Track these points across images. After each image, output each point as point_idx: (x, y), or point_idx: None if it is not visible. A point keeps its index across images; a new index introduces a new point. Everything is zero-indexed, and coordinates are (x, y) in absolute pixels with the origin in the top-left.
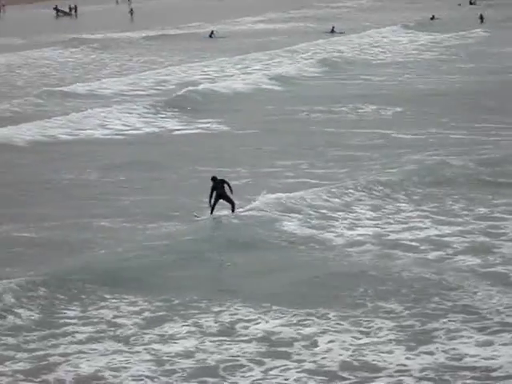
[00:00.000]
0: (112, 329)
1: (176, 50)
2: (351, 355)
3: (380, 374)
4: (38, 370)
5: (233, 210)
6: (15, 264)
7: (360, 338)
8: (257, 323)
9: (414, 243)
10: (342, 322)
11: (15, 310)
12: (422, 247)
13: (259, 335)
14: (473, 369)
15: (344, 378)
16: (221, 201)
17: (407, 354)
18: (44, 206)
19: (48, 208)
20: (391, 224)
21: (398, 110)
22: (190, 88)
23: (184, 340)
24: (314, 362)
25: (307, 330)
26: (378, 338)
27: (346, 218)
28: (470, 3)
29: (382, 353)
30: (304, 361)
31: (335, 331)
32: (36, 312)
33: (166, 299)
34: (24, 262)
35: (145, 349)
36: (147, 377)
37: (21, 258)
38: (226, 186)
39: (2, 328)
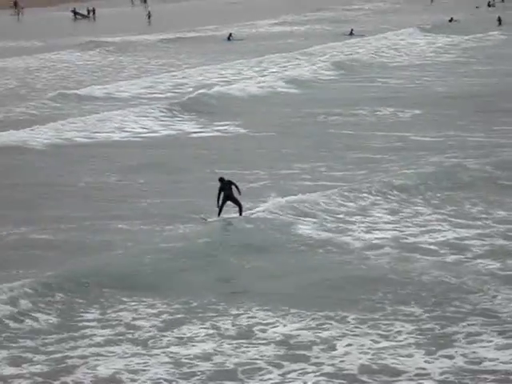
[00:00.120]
0: (130, 331)
1: (194, 52)
2: (370, 358)
3: (400, 378)
4: (57, 373)
5: (240, 213)
6: (32, 266)
7: (379, 342)
8: (275, 326)
9: (432, 246)
10: (360, 326)
11: (33, 314)
12: (441, 251)
13: (278, 338)
14: (492, 372)
15: (363, 382)
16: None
17: (426, 358)
18: (61, 208)
19: (66, 210)
20: (409, 227)
21: (417, 112)
22: (207, 91)
23: (202, 343)
24: (333, 365)
25: (326, 334)
26: (397, 341)
27: (363, 222)
28: (488, 5)
29: (402, 356)
30: (323, 364)
31: (354, 335)
32: (54, 316)
33: (184, 301)
34: (41, 264)
35: (163, 351)
36: (165, 380)
37: (37, 260)
38: (233, 187)
39: (21, 332)
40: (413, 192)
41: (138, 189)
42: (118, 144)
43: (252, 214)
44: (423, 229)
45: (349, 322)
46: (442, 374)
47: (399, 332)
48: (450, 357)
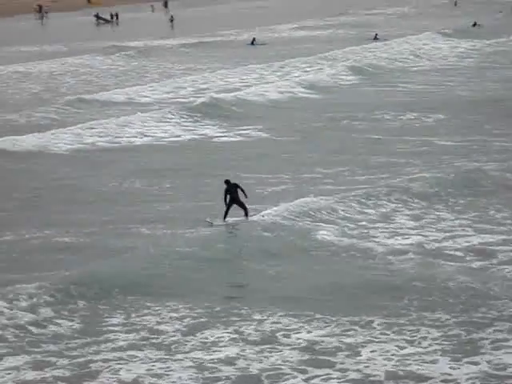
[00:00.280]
0: (154, 336)
1: (216, 57)
2: (395, 365)
3: None
4: (80, 377)
5: (246, 215)
6: (54, 270)
7: (404, 348)
8: (299, 332)
9: (457, 252)
10: (386, 331)
11: (56, 320)
12: (466, 256)
13: (302, 344)
14: None
15: None
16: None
17: (452, 364)
18: (85, 212)
19: (89, 214)
20: (433, 232)
21: (440, 117)
22: (229, 95)
23: (226, 347)
24: (358, 371)
25: (350, 339)
26: (422, 347)
27: (385, 228)
28: None
29: (427, 363)
30: (348, 370)
31: (379, 341)
32: (77, 321)
33: (207, 306)
34: (63, 268)
35: (186, 356)
36: None
37: (60, 264)
38: (239, 191)
39: (44, 337)
40: (436, 197)
41: (162, 193)
42: (141, 148)
43: (271, 217)
44: (447, 234)
45: (374, 327)
46: (468, 379)
47: (424, 338)
48: (476, 363)
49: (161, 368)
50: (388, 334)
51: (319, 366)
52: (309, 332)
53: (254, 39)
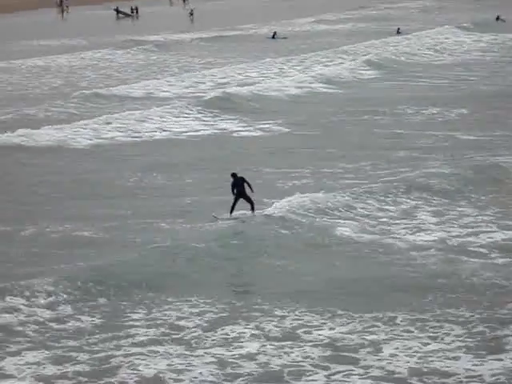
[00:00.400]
0: (175, 331)
1: (237, 51)
2: (418, 362)
3: (450, 380)
4: (100, 372)
5: (252, 210)
6: (73, 262)
7: (428, 344)
8: (321, 328)
9: (481, 249)
10: (409, 328)
11: (77, 316)
12: (490, 253)
13: (324, 341)
14: None
15: None
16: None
17: (475, 361)
18: (105, 206)
19: (109, 209)
20: (455, 228)
21: (463, 111)
22: (249, 89)
23: (247, 343)
24: (381, 367)
25: (373, 336)
26: (446, 343)
27: (406, 224)
28: None
29: (450, 359)
30: (371, 367)
31: (402, 337)
32: (98, 317)
33: (228, 302)
34: (82, 262)
35: (207, 352)
36: (210, 381)
37: (79, 257)
38: (246, 185)
39: (65, 332)
40: (458, 193)
41: (182, 187)
42: (161, 143)
43: (288, 211)
44: (470, 230)
45: (397, 324)
46: (492, 375)
47: (448, 334)
48: (500, 359)
49: (181, 363)
50: (412, 331)
51: (341, 363)
52: (331, 329)
53: (275, 33)
